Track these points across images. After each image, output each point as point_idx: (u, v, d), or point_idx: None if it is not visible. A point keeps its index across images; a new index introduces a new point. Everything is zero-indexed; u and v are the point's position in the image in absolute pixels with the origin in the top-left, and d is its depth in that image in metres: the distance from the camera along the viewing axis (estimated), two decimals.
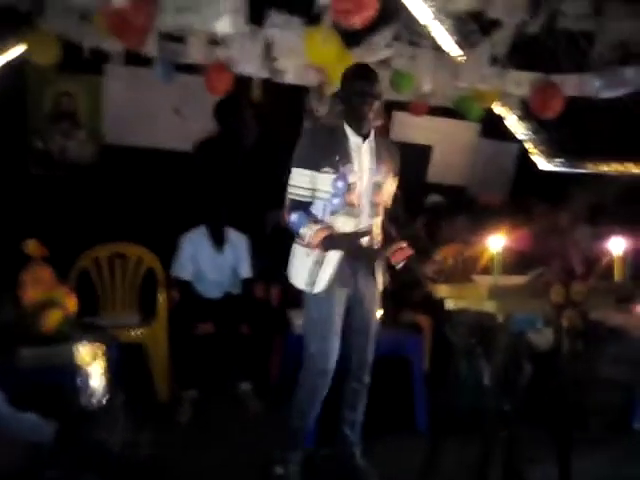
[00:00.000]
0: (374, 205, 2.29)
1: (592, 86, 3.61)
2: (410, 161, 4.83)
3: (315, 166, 2.20)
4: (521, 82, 3.58)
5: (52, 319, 2.46)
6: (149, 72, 3.65)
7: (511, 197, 5.23)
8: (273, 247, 3.27)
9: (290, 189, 2.26)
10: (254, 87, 3.59)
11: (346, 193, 2.21)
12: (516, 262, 3.43)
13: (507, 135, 5.14)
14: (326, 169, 2.19)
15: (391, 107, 4.70)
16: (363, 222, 2.27)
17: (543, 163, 5.35)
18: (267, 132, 4.28)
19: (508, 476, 2.37)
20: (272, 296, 3.50)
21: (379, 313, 2.46)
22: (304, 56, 3.05)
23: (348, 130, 2.26)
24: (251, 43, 3.03)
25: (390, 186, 2.38)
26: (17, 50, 3.58)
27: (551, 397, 2.42)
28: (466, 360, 3.13)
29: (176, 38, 3.35)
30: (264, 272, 3.50)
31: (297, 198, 2.25)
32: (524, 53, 3.64)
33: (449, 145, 5.18)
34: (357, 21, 2.47)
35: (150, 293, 3.35)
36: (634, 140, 4.36)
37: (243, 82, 3.59)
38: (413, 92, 3.78)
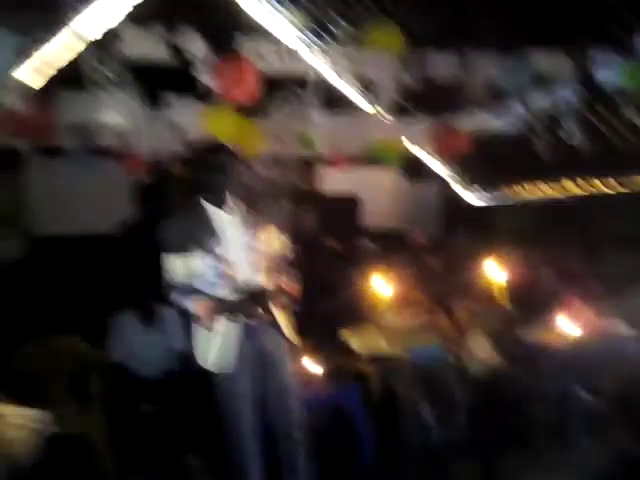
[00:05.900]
0: (255, 263, 2.23)
1: (486, 120, 3.92)
2: (338, 212, 5.15)
3: (183, 249, 2.14)
4: (417, 128, 3.85)
5: None
6: (68, 162, 3.78)
7: (445, 233, 5.44)
8: None
9: (166, 274, 2.17)
10: (174, 164, 3.74)
11: (223, 267, 2.16)
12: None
13: (428, 174, 5.42)
14: (195, 251, 2.13)
15: (313, 163, 4.97)
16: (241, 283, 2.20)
17: (468, 196, 5.63)
18: None
19: None
20: None
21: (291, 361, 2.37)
22: (208, 133, 3.20)
23: (206, 204, 2.23)
24: (152, 124, 3.18)
25: (273, 241, 2.30)
26: None
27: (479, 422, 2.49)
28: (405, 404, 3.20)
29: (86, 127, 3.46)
30: None
31: (174, 284, 2.16)
32: (420, 100, 3.93)
33: (375, 192, 5.43)
34: (239, 96, 2.63)
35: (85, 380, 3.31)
36: (541, 164, 4.67)
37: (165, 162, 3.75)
38: (324, 149, 4.00)
